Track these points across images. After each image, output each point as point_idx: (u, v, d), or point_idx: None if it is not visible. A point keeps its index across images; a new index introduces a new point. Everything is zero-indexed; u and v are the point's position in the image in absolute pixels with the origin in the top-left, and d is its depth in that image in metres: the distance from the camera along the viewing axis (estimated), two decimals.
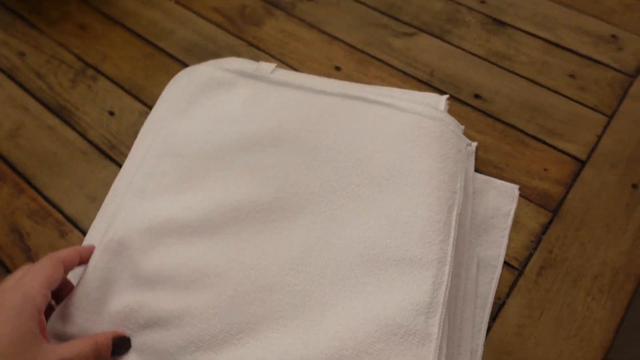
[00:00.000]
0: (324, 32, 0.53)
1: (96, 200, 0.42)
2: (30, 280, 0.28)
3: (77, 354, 0.28)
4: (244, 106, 0.40)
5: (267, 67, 0.43)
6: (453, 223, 0.34)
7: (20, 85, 0.50)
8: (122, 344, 0.31)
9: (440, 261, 0.32)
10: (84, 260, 0.33)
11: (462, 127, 0.39)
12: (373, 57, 0.51)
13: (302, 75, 0.44)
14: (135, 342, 0.31)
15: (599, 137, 0.45)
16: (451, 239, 0.33)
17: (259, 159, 0.37)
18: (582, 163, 0.43)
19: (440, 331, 0.30)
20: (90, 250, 0.34)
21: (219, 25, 0.55)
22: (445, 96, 0.41)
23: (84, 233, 0.40)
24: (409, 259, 0.32)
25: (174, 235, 0.34)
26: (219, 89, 0.42)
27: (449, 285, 0.31)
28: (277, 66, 0.43)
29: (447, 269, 0.32)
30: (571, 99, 0.47)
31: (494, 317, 0.36)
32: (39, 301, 0.28)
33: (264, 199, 0.35)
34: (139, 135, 0.43)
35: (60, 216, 0.41)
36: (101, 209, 0.39)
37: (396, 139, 0.36)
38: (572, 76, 0.49)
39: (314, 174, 0.36)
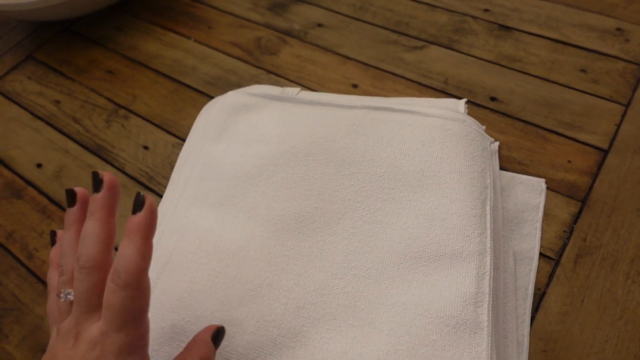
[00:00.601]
0: (337, 54, 0.56)
1: None
2: (119, 329, 0.24)
3: None
4: (275, 126, 0.42)
5: (292, 90, 0.46)
6: (488, 216, 0.35)
7: (59, 130, 0.54)
8: (220, 335, 0.29)
9: (480, 253, 0.33)
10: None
11: (484, 127, 0.40)
12: (388, 72, 0.53)
13: (326, 94, 0.46)
14: None
15: (618, 126, 0.46)
16: (488, 231, 0.34)
17: (295, 173, 0.39)
18: (605, 152, 0.44)
19: (490, 319, 0.31)
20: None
21: (238, 58, 0.58)
22: (464, 100, 0.43)
23: None
24: (451, 253, 0.33)
25: (223, 251, 0.35)
26: (249, 112, 0.44)
27: (492, 275, 0.32)
28: (300, 89, 0.45)
29: (488, 259, 0.33)
30: (585, 92, 0.49)
31: (536, 308, 0.37)
32: (143, 350, 0.25)
33: (304, 210, 0.37)
34: (177, 164, 0.45)
35: None
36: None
37: (423, 142, 0.38)
38: (583, 71, 0.50)
39: (349, 183, 0.37)
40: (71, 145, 0.52)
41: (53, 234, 0.31)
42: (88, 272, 0.25)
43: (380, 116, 0.41)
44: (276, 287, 0.33)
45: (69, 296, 0.26)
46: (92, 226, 0.26)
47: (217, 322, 0.33)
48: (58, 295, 0.27)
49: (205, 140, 0.44)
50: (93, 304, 0.25)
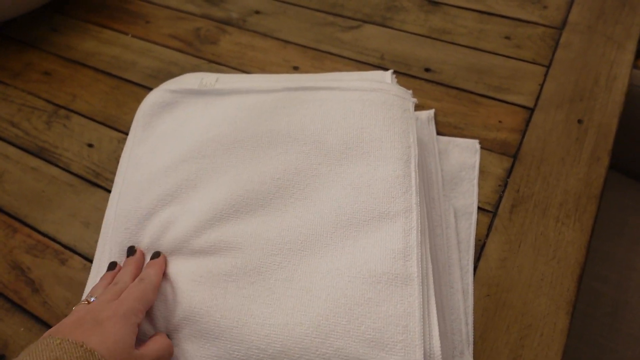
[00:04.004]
0: (277, 39, 0.57)
1: (90, 224, 0.44)
2: (138, 298, 0.32)
3: (160, 356, 0.31)
4: (199, 120, 0.42)
5: (210, 79, 0.45)
6: (413, 174, 0.36)
7: None
8: None
9: (406, 210, 0.35)
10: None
11: (410, 91, 0.42)
12: (326, 52, 0.55)
13: (246, 77, 0.46)
14: None
15: (542, 85, 0.49)
16: (413, 189, 0.36)
17: (223, 161, 0.39)
18: (531, 110, 0.47)
19: (420, 270, 0.32)
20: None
21: (177, 50, 0.58)
22: (390, 70, 0.45)
23: (84, 257, 0.42)
24: (378, 216, 0.35)
25: (165, 251, 0.36)
26: (173, 110, 0.44)
27: (419, 229, 0.34)
28: (218, 77, 0.46)
29: (414, 215, 0.34)
30: (510, 57, 0.52)
31: (478, 257, 0.39)
32: (140, 318, 0.31)
33: (236, 194, 0.37)
34: (119, 166, 0.45)
35: (57, 246, 0.43)
36: (100, 239, 0.41)
37: (344, 116, 0.40)
38: (507, 37, 0.54)
39: (277, 163, 0.38)
40: (11, 150, 0.51)
41: (112, 264, 0.37)
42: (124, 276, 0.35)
43: (301, 96, 0.42)
44: (215, 273, 0.34)
45: (92, 298, 0.33)
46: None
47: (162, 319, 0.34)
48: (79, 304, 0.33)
49: (133, 144, 0.44)
50: (115, 296, 0.33)
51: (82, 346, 0.27)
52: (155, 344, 0.31)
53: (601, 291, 0.53)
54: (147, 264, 0.36)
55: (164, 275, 0.36)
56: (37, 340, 0.28)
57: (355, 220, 0.35)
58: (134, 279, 0.34)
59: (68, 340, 0.27)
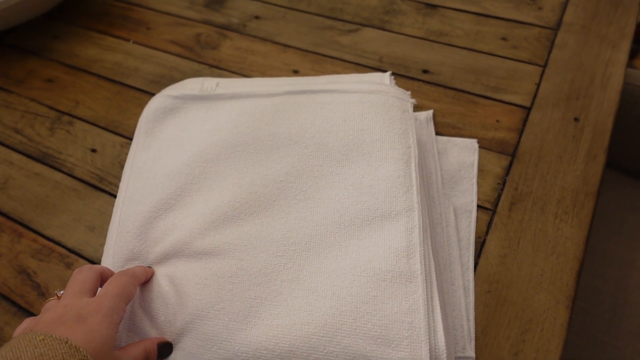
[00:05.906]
0: (276, 43, 0.58)
1: (95, 228, 0.44)
2: (118, 294, 0.31)
3: (132, 359, 0.31)
4: (201, 125, 0.43)
5: (211, 83, 0.46)
6: (413, 174, 0.37)
7: (0, 143, 0.53)
8: (165, 349, 0.33)
9: (408, 209, 0.35)
10: (147, 279, 0.36)
11: (409, 92, 0.43)
12: (326, 55, 0.56)
13: (247, 81, 0.47)
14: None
15: (538, 85, 0.50)
16: (414, 188, 0.36)
17: (226, 166, 0.40)
18: (528, 109, 0.48)
19: (423, 268, 0.33)
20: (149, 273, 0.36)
21: (179, 55, 0.59)
22: (389, 72, 0.45)
23: (90, 261, 0.42)
24: (380, 216, 0.35)
25: (170, 256, 0.37)
26: (175, 116, 0.44)
27: (421, 228, 0.35)
28: (218, 81, 0.46)
29: (416, 214, 0.35)
30: (507, 58, 0.53)
31: (478, 254, 0.40)
32: (121, 316, 0.31)
33: (239, 197, 0.38)
34: (123, 173, 0.45)
35: (63, 250, 0.43)
36: (106, 244, 0.41)
37: (344, 118, 0.40)
38: (504, 39, 0.54)
39: (279, 166, 0.39)
40: (15, 156, 0.51)
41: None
42: (88, 269, 0.33)
43: (301, 99, 0.43)
44: (220, 275, 0.35)
45: (60, 292, 0.32)
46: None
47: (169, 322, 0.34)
48: (49, 300, 0.32)
49: (136, 150, 0.44)
50: (85, 288, 0.31)
51: (66, 342, 0.26)
52: (133, 350, 0.31)
53: (601, 289, 0.53)
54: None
55: (168, 277, 0.36)
56: (17, 336, 0.27)
57: (358, 220, 0.35)
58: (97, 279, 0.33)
59: (52, 336, 0.26)
